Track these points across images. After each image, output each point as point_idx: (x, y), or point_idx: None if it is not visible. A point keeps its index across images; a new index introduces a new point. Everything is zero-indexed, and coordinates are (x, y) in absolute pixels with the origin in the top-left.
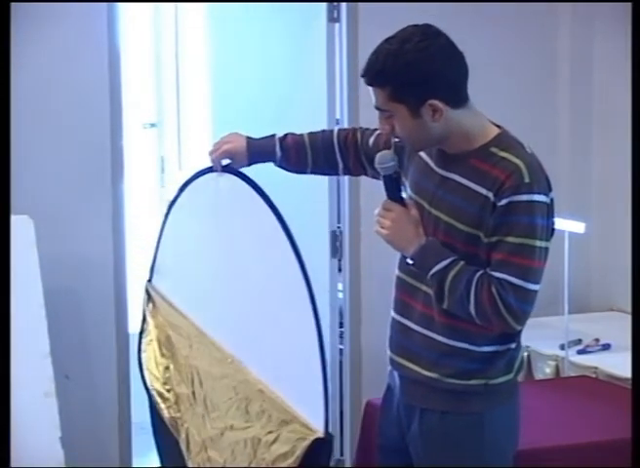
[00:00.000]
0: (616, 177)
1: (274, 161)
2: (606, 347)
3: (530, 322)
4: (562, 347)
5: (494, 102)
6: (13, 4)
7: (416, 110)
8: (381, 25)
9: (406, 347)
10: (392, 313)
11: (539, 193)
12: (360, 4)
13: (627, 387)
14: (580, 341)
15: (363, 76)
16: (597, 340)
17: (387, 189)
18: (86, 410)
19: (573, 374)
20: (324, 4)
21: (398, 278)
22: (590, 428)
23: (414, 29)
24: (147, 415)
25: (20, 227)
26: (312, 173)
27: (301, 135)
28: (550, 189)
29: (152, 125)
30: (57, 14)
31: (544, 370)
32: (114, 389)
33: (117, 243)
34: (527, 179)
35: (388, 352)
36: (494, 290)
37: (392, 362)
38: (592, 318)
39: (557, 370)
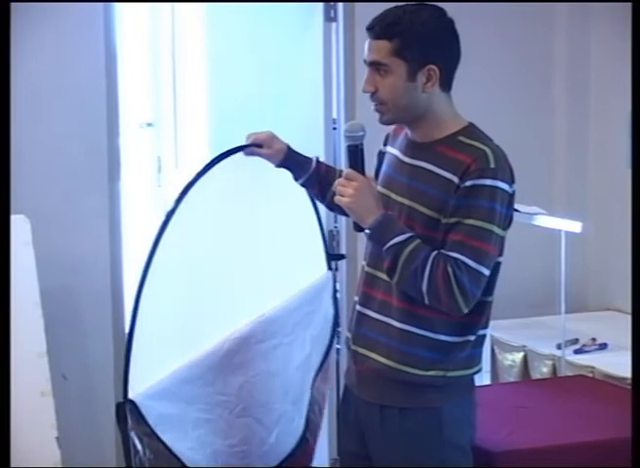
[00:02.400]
0: (612, 177)
1: (303, 173)
2: (603, 347)
3: (527, 321)
4: (559, 347)
5: (490, 102)
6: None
7: (414, 71)
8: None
9: (365, 336)
10: (356, 306)
11: (502, 181)
12: (357, 4)
13: (624, 387)
14: (576, 341)
15: (370, 28)
16: (594, 340)
17: (351, 159)
18: (83, 410)
19: (570, 374)
20: (321, 4)
21: (363, 271)
22: (587, 428)
23: (425, 4)
24: None
25: (17, 226)
26: (330, 204)
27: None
28: (514, 181)
29: (149, 124)
30: (53, 13)
31: (541, 370)
32: (111, 389)
33: (114, 242)
34: (492, 165)
35: (351, 344)
36: (449, 268)
37: (353, 355)
38: (589, 317)
39: (554, 369)
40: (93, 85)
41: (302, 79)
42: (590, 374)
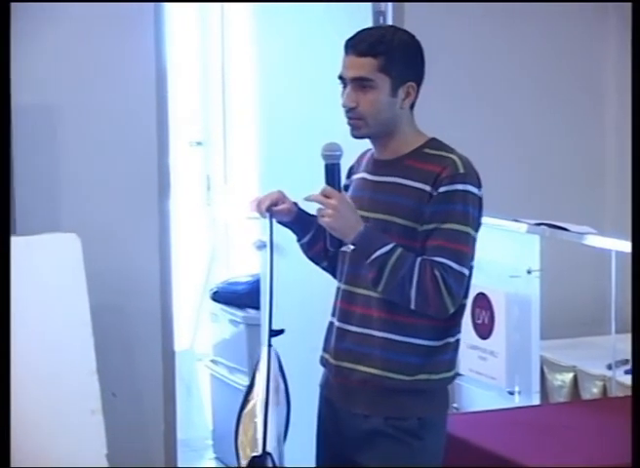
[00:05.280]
0: None
1: (311, 229)
2: None
3: (576, 341)
4: (609, 367)
5: (540, 120)
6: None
7: (396, 87)
8: (427, 25)
9: (348, 349)
10: (332, 319)
11: (472, 185)
12: (406, 4)
13: None
14: (627, 361)
15: (353, 47)
16: None
17: (328, 177)
18: (132, 427)
19: (620, 395)
20: (369, 4)
21: (337, 289)
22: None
23: (397, 27)
24: (192, 433)
25: (68, 245)
26: (327, 266)
27: None
28: (481, 185)
29: (198, 143)
30: (105, 27)
31: (592, 391)
32: (160, 406)
33: (163, 260)
34: (461, 170)
35: (332, 360)
36: (436, 272)
37: (336, 370)
38: None
39: (604, 390)
40: (143, 102)
41: None
42: None
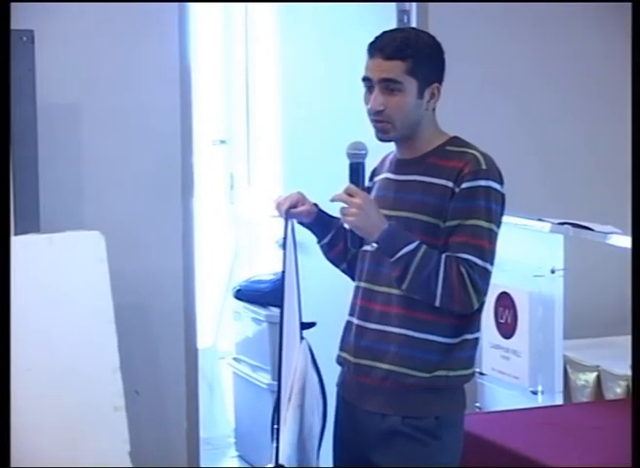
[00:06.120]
0: None
1: (331, 229)
2: None
3: (600, 341)
4: None
5: (563, 117)
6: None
7: (422, 89)
8: (450, 24)
9: (367, 347)
10: (349, 318)
11: (494, 181)
12: (430, 4)
13: None
14: None
15: (380, 49)
16: None
17: (353, 177)
18: (154, 425)
19: None
20: (394, 4)
21: (356, 287)
22: None
23: (419, 29)
24: (215, 431)
25: (92, 242)
26: (346, 269)
27: None
28: (503, 182)
29: (222, 141)
30: (128, 26)
31: (615, 391)
32: (183, 404)
33: (187, 259)
34: (484, 166)
35: (352, 358)
36: (462, 269)
37: (355, 367)
38: None
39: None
40: (167, 101)
41: None
42: None
